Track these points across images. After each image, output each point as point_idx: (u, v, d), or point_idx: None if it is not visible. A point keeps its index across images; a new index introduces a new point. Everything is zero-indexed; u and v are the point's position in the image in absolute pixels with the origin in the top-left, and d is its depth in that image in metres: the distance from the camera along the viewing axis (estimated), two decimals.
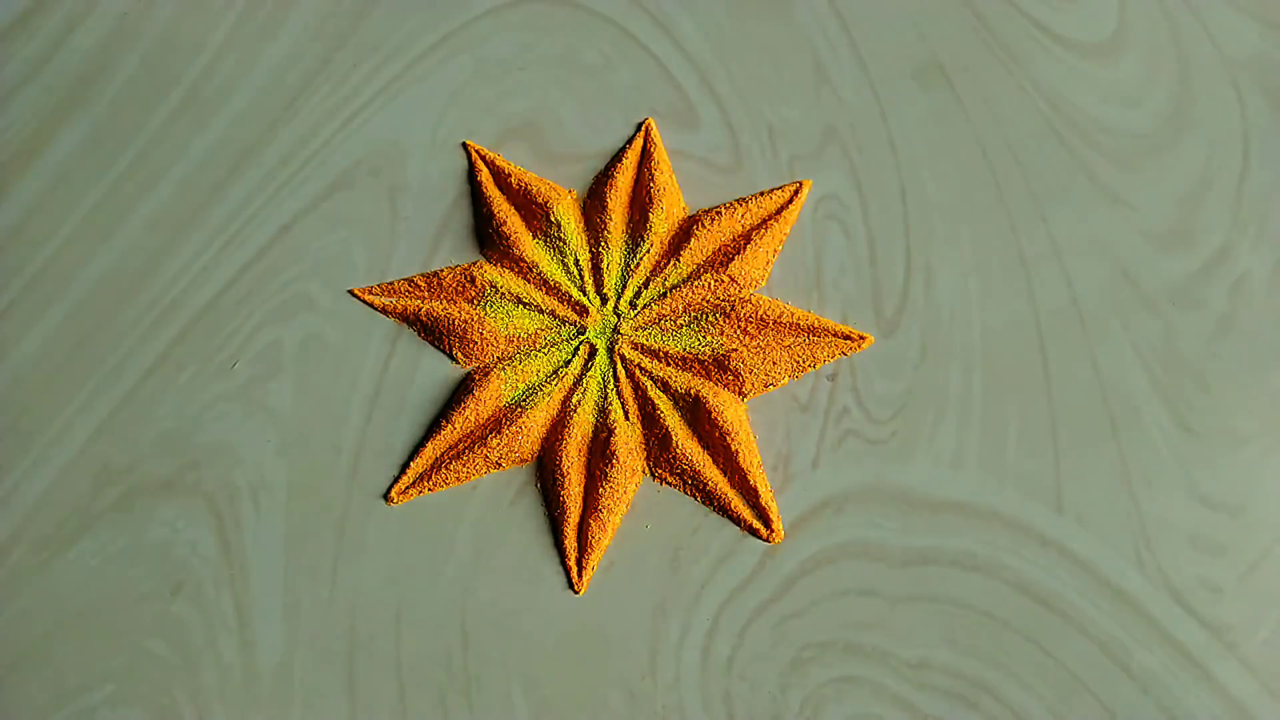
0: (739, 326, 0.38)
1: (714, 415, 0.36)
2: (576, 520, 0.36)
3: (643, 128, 0.42)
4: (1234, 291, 0.39)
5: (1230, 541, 0.35)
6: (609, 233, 0.40)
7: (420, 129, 0.43)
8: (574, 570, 0.36)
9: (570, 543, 0.36)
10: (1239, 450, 0.37)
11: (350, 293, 0.40)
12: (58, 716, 0.34)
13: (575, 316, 0.39)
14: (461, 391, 0.38)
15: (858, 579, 0.35)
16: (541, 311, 0.39)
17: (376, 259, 0.41)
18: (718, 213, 0.40)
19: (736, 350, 0.38)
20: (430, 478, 0.37)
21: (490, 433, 0.37)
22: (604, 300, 0.39)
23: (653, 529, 0.36)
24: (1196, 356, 0.38)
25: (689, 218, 0.40)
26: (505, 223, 0.40)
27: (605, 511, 0.36)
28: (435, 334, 0.39)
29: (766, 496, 0.36)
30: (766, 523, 0.36)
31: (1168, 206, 0.41)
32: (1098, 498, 0.36)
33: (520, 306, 0.39)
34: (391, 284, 0.40)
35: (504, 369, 0.38)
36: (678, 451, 0.36)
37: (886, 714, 0.33)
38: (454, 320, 0.39)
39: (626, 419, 0.37)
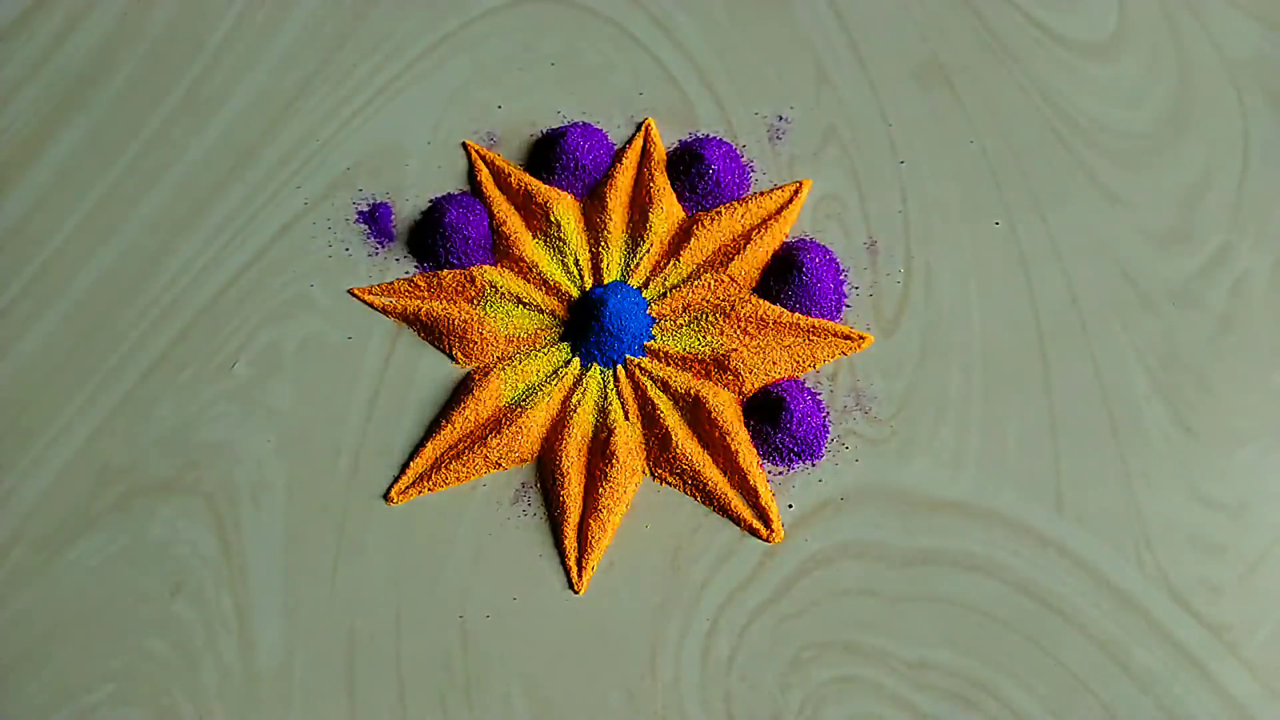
0: (739, 326, 0.38)
1: (714, 415, 0.36)
2: (576, 520, 0.36)
3: (643, 128, 0.42)
4: (1234, 291, 0.39)
5: (1230, 541, 0.35)
6: (609, 233, 0.40)
7: (420, 129, 0.43)
8: (574, 570, 0.36)
9: (570, 543, 0.36)
10: (1239, 450, 0.37)
11: (350, 293, 0.40)
12: (57, 716, 0.34)
13: None
14: (461, 391, 0.38)
15: (858, 579, 0.35)
16: (541, 311, 0.39)
17: (376, 259, 0.41)
18: (718, 213, 0.40)
19: (736, 350, 0.38)
20: (430, 478, 0.37)
21: (490, 433, 0.37)
22: None
23: (653, 529, 0.36)
24: (1196, 356, 0.38)
25: (689, 218, 0.40)
26: (505, 223, 0.40)
27: (605, 511, 0.36)
28: (435, 334, 0.39)
29: (766, 496, 0.36)
30: (766, 523, 0.36)
31: (1168, 206, 0.41)
32: (1098, 498, 0.36)
33: (520, 306, 0.39)
34: (391, 284, 0.40)
35: (504, 369, 0.38)
36: (678, 451, 0.36)
37: (886, 714, 0.33)
38: (454, 320, 0.39)
39: (626, 419, 0.37)
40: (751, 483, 0.36)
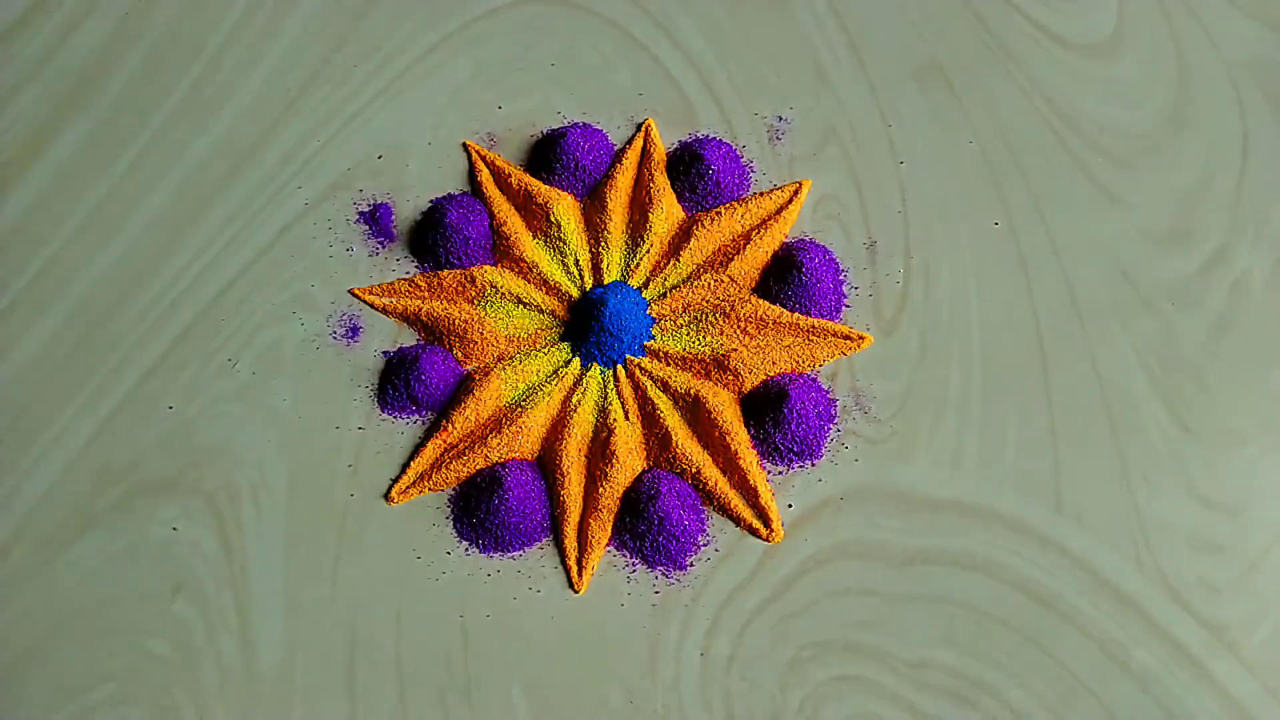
0: (739, 326, 0.38)
1: (714, 415, 0.37)
2: (576, 520, 0.36)
3: (643, 128, 0.42)
4: (1233, 291, 0.39)
5: (1229, 541, 0.35)
6: (609, 233, 0.40)
7: (420, 129, 0.43)
8: (574, 570, 0.36)
9: (570, 542, 0.36)
10: (1238, 450, 0.37)
11: (350, 293, 0.40)
12: (58, 716, 0.34)
13: None
14: (462, 391, 0.38)
15: (857, 578, 0.35)
16: (542, 311, 0.39)
17: (377, 259, 0.41)
18: (718, 213, 0.40)
19: (736, 350, 0.38)
20: (430, 478, 0.37)
21: (490, 432, 0.37)
22: None
23: None
24: (1195, 356, 0.38)
25: (689, 218, 0.41)
26: (505, 223, 0.40)
27: (605, 511, 0.36)
28: (436, 334, 0.39)
29: (766, 496, 0.36)
30: (766, 522, 0.36)
31: (1167, 206, 0.41)
32: (1097, 497, 0.36)
33: (520, 306, 0.39)
34: (391, 284, 0.40)
35: (504, 369, 0.38)
36: (677, 451, 0.36)
37: (886, 713, 0.33)
38: (454, 320, 0.39)
39: (626, 419, 0.37)
40: (751, 482, 0.36)
